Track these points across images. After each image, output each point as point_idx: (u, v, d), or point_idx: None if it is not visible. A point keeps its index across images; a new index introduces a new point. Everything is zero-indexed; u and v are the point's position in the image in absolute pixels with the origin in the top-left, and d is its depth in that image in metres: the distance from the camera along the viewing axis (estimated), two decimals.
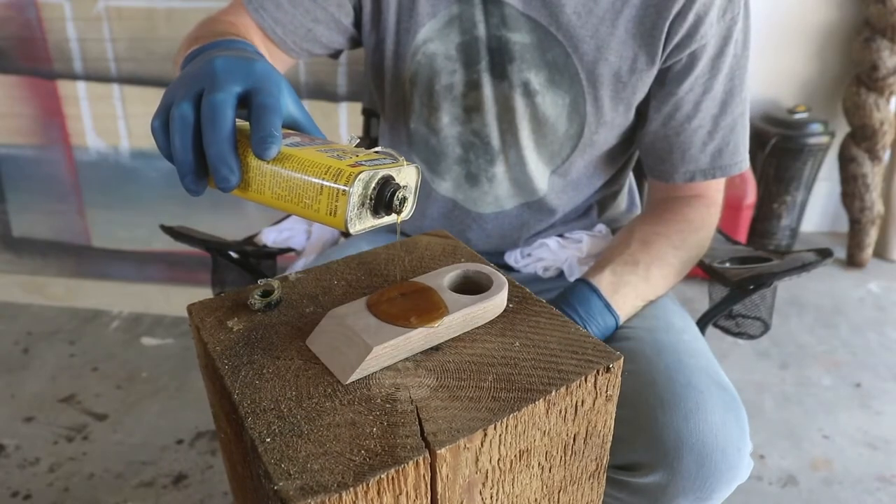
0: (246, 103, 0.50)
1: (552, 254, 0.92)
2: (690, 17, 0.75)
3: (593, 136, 0.84)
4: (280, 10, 0.81)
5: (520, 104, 0.82)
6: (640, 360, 0.73)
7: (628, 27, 0.76)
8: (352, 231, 0.47)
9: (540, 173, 0.87)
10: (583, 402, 0.51)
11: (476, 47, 0.81)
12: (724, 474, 0.66)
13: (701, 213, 0.86)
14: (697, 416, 0.66)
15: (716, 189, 0.87)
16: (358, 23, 0.87)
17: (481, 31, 0.80)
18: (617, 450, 0.59)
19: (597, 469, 0.56)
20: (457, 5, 0.80)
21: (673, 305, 0.86)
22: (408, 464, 0.42)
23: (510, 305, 0.58)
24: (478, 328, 0.55)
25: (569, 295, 0.77)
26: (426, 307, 0.52)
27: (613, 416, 0.54)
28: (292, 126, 0.54)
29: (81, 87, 1.79)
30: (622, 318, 0.78)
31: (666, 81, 0.80)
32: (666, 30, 0.76)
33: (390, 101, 0.90)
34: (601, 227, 0.95)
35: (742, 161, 0.85)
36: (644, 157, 0.89)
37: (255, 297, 0.57)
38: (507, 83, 0.81)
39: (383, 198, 0.47)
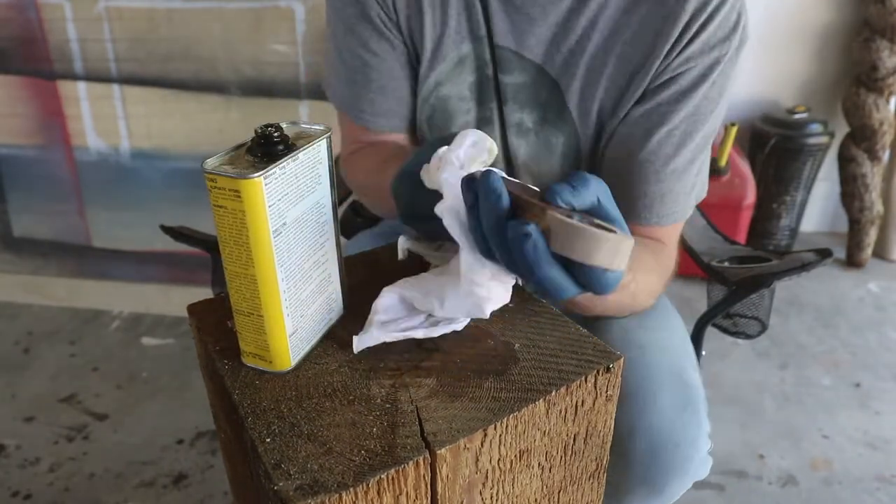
0: None
1: None
2: (679, 47, 0.70)
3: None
4: (384, 106, 0.83)
5: (514, 144, 0.81)
6: None
7: (617, 64, 0.74)
8: None
9: None
10: (583, 402, 0.51)
11: (488, 86, 0.80)
12: (676, 468, 0.67)
13: (654, 252, 0.76)
14: (652, 409, 0.68)
15: (663, 233, 0.78)
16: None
17: (490, 70, 0.79)
18: None
19: (597, 469, 0.56)
20: (468, 45, 0.78)
21: (663, 301, 0.86)
22: (408, 464, 0.42)
23: (510, 305, 0.58)
24: (478, 327, 0.55)
25: None
26: None
27: (613, 416, 0.54)
28: None
29: (82, 87, 1.79)
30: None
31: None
32: (654, 68, 0.72)
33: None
34: None
35: (678, 213, 0.76)
36: None
37: None
38: (504, 123, 0.81)
39: None
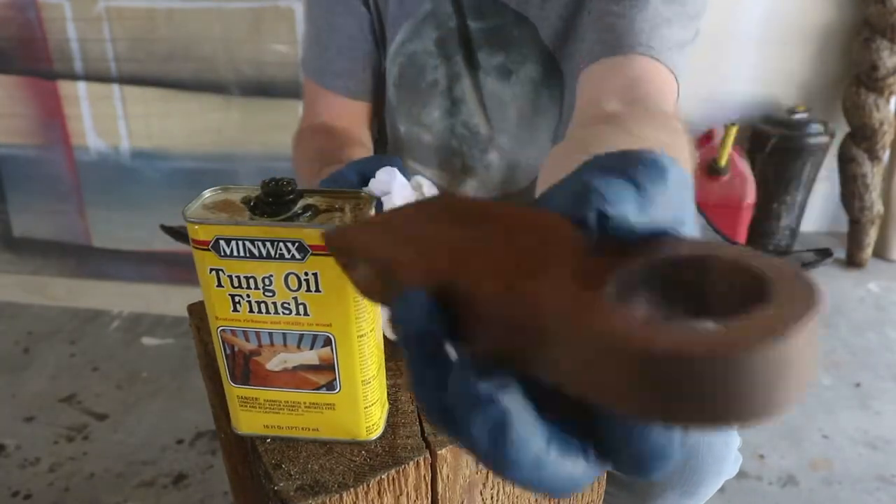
0: None
1: None
2: None
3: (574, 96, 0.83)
4: (342, 66, 0.84)
5: (496, 89, 0.82)
6: None
7: None
8: None
9: (542, 148, 0.87)
10: None
11: (452, 39, 0.82)
12: (710, 467, 0.67)
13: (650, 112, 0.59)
14: None
15: (645, 66, 0.62)
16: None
17: (454, 22, 0.81)
18: None
19: None
20: (430, 2, 0.81)
21: None
22: (408, 464, 0.42)
23: None
24: None
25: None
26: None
27: None
28: None
29: (82, 87, 1.79)
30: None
31: None
32: None
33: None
34: None
35: (655, 47, 0.63)
36: (573, 79, 0.75)
37: None
38: (482, 70, 0.82)
39: None
